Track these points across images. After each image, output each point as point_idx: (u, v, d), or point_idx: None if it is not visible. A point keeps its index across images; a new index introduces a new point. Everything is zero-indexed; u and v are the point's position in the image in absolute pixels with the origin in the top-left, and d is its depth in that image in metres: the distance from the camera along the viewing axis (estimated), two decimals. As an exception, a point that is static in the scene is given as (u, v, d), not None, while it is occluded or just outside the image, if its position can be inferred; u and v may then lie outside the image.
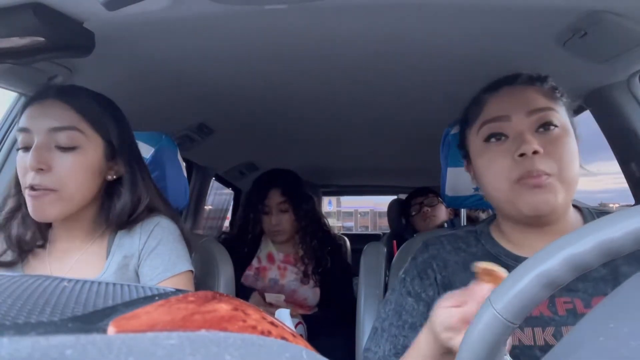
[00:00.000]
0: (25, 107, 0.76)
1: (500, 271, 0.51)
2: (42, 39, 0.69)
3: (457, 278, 0.72)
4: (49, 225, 0.82)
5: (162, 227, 0.82)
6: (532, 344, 0.62)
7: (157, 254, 0.80)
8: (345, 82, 1.16)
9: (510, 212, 0.69)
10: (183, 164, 1.11)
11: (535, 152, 0.63)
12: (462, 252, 0.75)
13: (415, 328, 0.69)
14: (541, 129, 0.66)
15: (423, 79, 1.12)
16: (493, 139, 0.68)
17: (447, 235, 0.79)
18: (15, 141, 1.03)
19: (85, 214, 0.80)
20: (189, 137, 1.54)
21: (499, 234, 0.74)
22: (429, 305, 0.71)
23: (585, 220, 0.70)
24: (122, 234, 0.81)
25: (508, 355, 0.37)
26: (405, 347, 0.68)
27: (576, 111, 1.18)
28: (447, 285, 0.72)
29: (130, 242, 0.80)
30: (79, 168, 0.74)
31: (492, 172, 0.68)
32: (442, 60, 0.99)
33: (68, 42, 0.73)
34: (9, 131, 1.04)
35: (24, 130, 0.74)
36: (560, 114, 0.67)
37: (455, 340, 0.51)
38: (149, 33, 0.84)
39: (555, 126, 0.66)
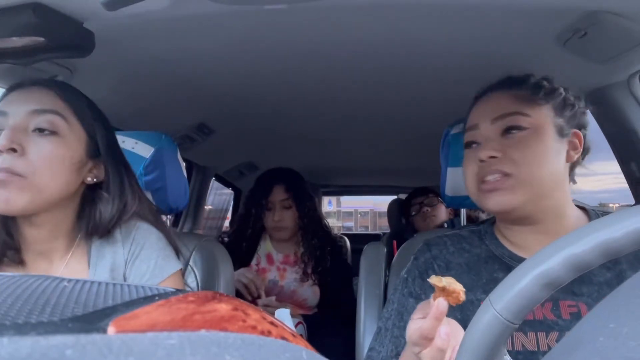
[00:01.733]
0: (5, 94, 0.71)
1: (452, 286, 0.49)
2: (42, 39, 0.69)
3: (460, 280, 0.71)
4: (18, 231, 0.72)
5: (142, 229, 0.78)
6: (536, 349, 0.61)
7: (141, 260, 0.75)
8: (345, 82, 1.16)
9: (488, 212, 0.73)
10: (183, 164, 1.11)
11: (492, 157, 0.66)
12: (466, 252, 0.74)
13: None
14: (507, 134, 0.68)
15: (423, 79, 1.12)
16: (469, 147, 0.73)
17: (450, 236, 0.79)
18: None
19: (58, 218, 0.72)
20: (189, 137, 1.54)
21: (502, 235, 0.75)
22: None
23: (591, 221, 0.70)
24: (99, 242, 0.76)
25: (508, 355, 0.37)
26: None
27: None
28: None
29: (112, 252, 0.76)
30: (56, 156, 0.66)
31: (465, 175, 0.73)
32: (442, 60, 0.99)
33: (68, 42, 0.73)
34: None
35: (1, 113, 0.67)
36: (531, 117, 0.68)
37: (422, 355, 0.50)
38: (149, 33, 0.84)
39: (523, 129, 0.67)
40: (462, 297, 0.50)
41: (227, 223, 2.74)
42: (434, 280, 0.50)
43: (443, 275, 0.72)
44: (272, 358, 0.16)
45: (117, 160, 0.78)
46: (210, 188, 2.26)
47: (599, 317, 0.23)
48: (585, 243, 0.31)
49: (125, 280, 0.76)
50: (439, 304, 0.48)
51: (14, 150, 0.63)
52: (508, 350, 0.61)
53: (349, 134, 1.75)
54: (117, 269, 0.75)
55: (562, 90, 0.71)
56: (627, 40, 0.82)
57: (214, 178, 2.27)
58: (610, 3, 0.72)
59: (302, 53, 0.96)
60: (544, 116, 0.68)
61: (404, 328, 0.70)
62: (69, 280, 0.21)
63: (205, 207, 2.27)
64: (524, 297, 0.32)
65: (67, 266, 0.74)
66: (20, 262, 0.72)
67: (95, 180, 0.75)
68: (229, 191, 2.66)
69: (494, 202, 0.67)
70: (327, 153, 2.16)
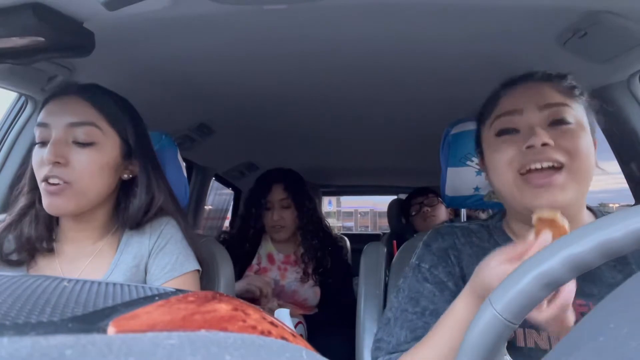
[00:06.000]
0: (44, 104, 0.76)
1: (562, 220, 0.51)
2: (42, 39, 0.69)
3: (470, 272, 0.69)
4: (58, 226, 0.81)
5: (171, 226, 0.83)
6: (548, 347, 0.61)
7: (165, 253, 0.80)
8: (345, 82, 1.16)
9: (518, 208, 0.67)
10: (183, 164, 1.11)
11: (544, 144, 0.61)
12: (475, 246, 0.73)
13: (437, 315, 0.66)
14: (554, 125, 0.64)
15: (423, 79, 1.12)
16: (505, 134, 0.67)
17: (460, 227, 0.77)
18: (15, 140, 1.03)
19: (98, 214, 0.80)
20: (189, 137, 1.54)
21: (512, 232, 0.73)
22: (453, 294, 0.68)
23: None
24: (131, 232, 0.82)
25: (508, 355, 0.37)
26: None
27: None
28: (461, 279, 0.70)
29: (139, 242, 0.81)
30: (94, 164, 0.74)
31: (497, 162, 0.67)
32: (442, 60, 0.99)
33: (68, 42, 0.73)
34: (9, 131, 1.04)
35: (42, 125, 0.74)
36: (576, 111, 0.65)
37: None
38: (149, 33, 0.84)
39: (569, 122, 0.64)
40: (568, 231, 0.51)
41: (227, 223, 2.74)
42: (544, 214, 0.52)
43: (458, 265, 0.71)
44: (272, 358, 0.16)
45: (147, 157, 0.83)
46: (210, 188, 2.26)
47: (599, 317, 0.23)
48: (585, 243, 0.31)
49: (147, 271, 0.81)
50: (546, 235, 0.50)
51: (58, 163, 0.71)
52: (521, 347, 0.61)
53: (349, 134, 1.75)
54: (141, 258, 0.80)
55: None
56: (627, 40, 0.82)
57: (214, 178, 2.27)
58: (610, 3, 0.72)
59: (302, 53, 0.96)
60: (582, 113, 0.67)
61: (422, 314, 0.67)
62: (69, 280, 0.21)
63: (205, 207, 2.27)
64: (524, 297, 0.32)
65: (99, 252, 0.80)
66: (50, 250, 0.79)
67: (131, 175, 0.81)
68: (229, 191, 2.66)
69: (546, 200, 0.61)
70: (327, 153, 2.16)
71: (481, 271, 0.54)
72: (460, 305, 0.58)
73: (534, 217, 0.53)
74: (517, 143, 0.65)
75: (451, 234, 0.75)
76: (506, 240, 0.72)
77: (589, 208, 0.71)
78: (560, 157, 0.61)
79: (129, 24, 0.78)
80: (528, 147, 0.62)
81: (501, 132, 0.68)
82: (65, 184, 0.72)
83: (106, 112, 0.77)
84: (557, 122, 0.64)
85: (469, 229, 0.76)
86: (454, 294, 0.68)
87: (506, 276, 0.49)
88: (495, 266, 0.52)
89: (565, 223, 0.51)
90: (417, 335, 0.65)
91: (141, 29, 0.82)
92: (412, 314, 0.68)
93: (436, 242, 0.75)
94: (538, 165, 0.61)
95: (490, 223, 0.77)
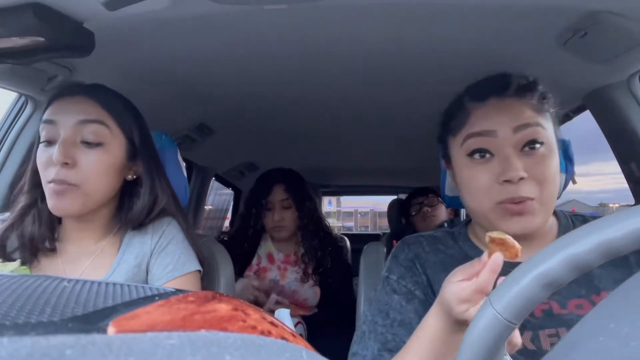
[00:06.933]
0: (51, 101, 0.76)
1: (512, 241, 0.52)
2: (42, 39, 0.69)
3: (436, 279, 0.71)
4: (60, 225, 0.81)
5: (173, 226, 0.83)
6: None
7: (167, 253, 0.81)
8: (345, 82, 1.16)
9: (488, 227, 0.68)
10: (183, 164, 1.11)
11: (520, 179, 0.62)
12: (441, 253, 0.75)
13: (405, 325, 0.68)
14: (527, 148, 0.65)
15: (423, 79, 1.12)
16: (477, 155, 0.67)
17: (426, 236, 0.79)
18: (15, 140, 1.03)
19: (101, 214, 0.80)
20: (189, 137, 1.54)
21: (476, 238, 0.75)
22: (422, 302, 0.71)
23: (560, 223, 0.71)
24: (133, 232, 0.82)
25: (508, 355, 0.37)
26: (398, 346, 0.66)
27: (576, 111, 1.19)
28: (428, 287, 0.72)
29: (141, 242, 0.81)
30: (102, 165, 0.74)
31: (474, 189, 0.67)
32: (442, 60, 0.99)
33: (68, 42, 0.73)
34: (9, 131, 1.04)
35: (49, 122, 0.74)
36: (546, 130, 0.66)
37: (470, 313, 0.52)
38: (149, 33, 0.84)
39: (541, 144, 0.65)
40: (520, 254, 0.53)
41: (227, 223, 2.74)
42: (495, 234, 0.53)
43: (424, 273, 0.73)
44: (272, 358, 0.16)
45: (151, 158, 0.84)
46: (210, 188, 2.26)
47: (599, 317, 0.23)
48: (585, 243, 0.31)
49: (148, 270, 0.81)
50: (496, 257, 0.51)
51: (67, 164, 0.71)
52: (533, 350, 0.61)
53: (349, 134, 1.75)
54: (143, 258, 0.80)
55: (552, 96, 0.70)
56: (627, 40, 0.82)
57: (214, 178, 2.27)
58: (610, 3, 0.72)
59: (302, 53, 0.96)
60: (551, 128, 0.67)
61: (391, 325, 0.69)
62: (69, 280, 0.21)
63: (205, 207, 2.27)
64: (524, 297, 0.32)
65: (101, 251, 0.81)
66: (52, 249, 0.79)
67: (134, 176, 0.82)
68: (229, 191, 2.66)
69: (519, 227, 0.63)
70: (327, 153, 2.16)
71: (444, 287, 0.56)
72: (430, 320, 0.59)
73: (487, 238, 0.55)
74: (493, 170, 0.65)
75: (417, 243, 0.77)
76: (471, 246, 0.74)
77: (554, 211, 0.72)
78: (533, 192, 0.63)
79: (129, 24, 0.78)
80: (505, 181, 0.63)
81: (474, 152, 0.67)
82: (71, 186, 0.72)
83: (113, 112, 0.77)
84: (530, 144, 0.65)
85: (434, 237, 0.78)
86: (423, 302, 0.71)
87: (464, 293, 0.52)
88: (454, 282, 0.54)
89: (515, 243, 0.53)
90: (388, 347, 0.67)
91: (141, 29, 0.82)
92: (382, 326, 0.70)
93: (403, 252, 0.77)
94: (515, 200, 0.63)
95: (455, 230, 0.79)
